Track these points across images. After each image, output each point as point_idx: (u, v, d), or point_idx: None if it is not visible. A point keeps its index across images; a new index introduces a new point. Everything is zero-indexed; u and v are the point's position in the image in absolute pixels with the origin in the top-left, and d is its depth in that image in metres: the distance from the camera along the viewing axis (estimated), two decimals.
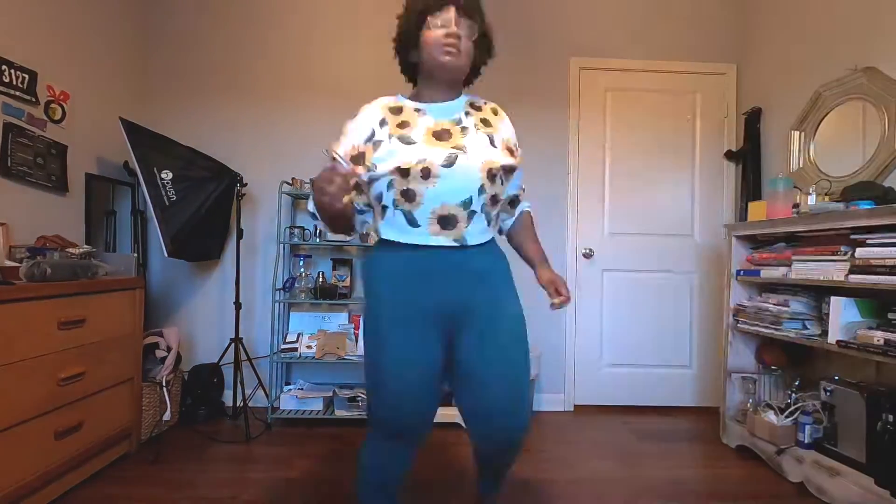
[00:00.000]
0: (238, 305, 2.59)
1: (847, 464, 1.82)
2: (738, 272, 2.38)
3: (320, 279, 2.69)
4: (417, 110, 1.20)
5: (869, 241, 1.72)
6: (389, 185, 1.11)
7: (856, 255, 1.77)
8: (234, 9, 2.90)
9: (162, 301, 2.86)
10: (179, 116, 2.87)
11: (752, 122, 2.80)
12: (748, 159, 2.81)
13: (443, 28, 1.15)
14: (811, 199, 2.13)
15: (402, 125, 1.16)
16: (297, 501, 1.81)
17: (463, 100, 1.25)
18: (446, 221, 1.12)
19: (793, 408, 2.08)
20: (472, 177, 1.11)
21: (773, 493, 1.93)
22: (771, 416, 2.13)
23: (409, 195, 1.10)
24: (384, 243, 1.17)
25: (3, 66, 1.96)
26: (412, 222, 1.12)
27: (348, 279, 2.78)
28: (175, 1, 2.89)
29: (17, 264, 1.74)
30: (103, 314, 1.96)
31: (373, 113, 1.20)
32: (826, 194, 2.16)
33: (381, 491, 1.25)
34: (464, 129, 1.17)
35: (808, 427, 1.99)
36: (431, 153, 1.10)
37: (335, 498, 1.84)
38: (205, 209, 2.51)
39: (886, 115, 2.03)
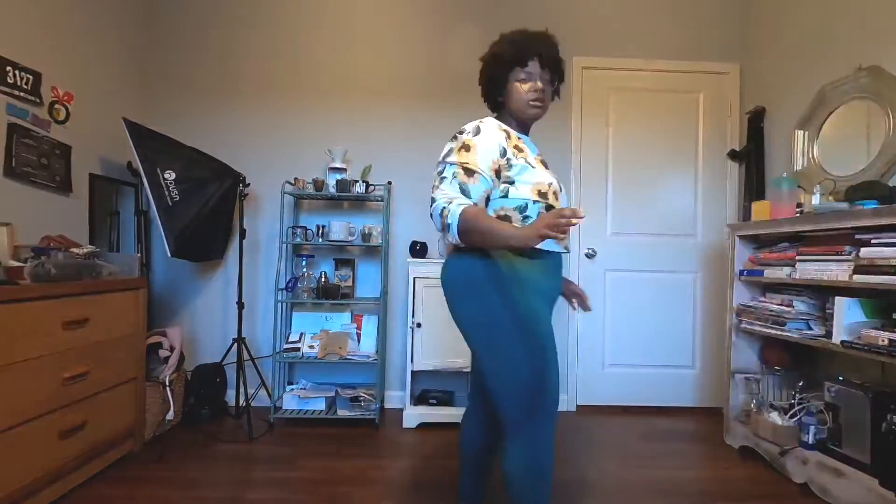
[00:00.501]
0: (241, 305, 2.60)
1: (851, 465, 1.81)
2: (741, 272, 2.37)
3: (323, 279, 2.70)
4: (519, 138, 1.33)
5: (873, 241, 1.71)
6: (536, 201, 1.25)
7: (860, 254, 1.76)
8: (237, 10, 2.90)
9: (165, 301, 2.87)
10: (182, 117, 2.88)
11: (756, 121, 2.79)
12: (751, 159, 2.80)
13: (529, 82, 1.31)
14: (815, 199, 2.12)
15: (518, 150, 1.29)
16: (299, 501, 1.81)
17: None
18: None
19: (797, 408, 2.07)
20: (564, 199, 1.34)
21: (777, 494, 1.93)
22: (774, 417, 2.12)
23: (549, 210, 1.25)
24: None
25: (8, 68, 1.97)
26: None
27: (350, 279, 2.79)
28: (179, 2, 2.90)
29: (21, 264, 1.75)
30: (107, 314, 1.97)
31: (495, 131, 1.28)
32: (830, 194, 2.15)
33: (546, 488, 1.27)
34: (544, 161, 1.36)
35: (812, 428, 1.98)
36: (552, 178, 1.30)
37: (337, 498, 1.84)
38: (208, 209, 2.51)
39: (891, 114, 2.02)
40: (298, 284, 2.68)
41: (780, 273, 2.13)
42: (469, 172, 1.21)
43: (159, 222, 2.36)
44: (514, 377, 1.21)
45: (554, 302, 1.35)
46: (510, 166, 1.25)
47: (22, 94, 2.03)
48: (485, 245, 1.21)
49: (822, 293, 2.03)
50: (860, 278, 1.74)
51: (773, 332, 2.12)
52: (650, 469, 2.14)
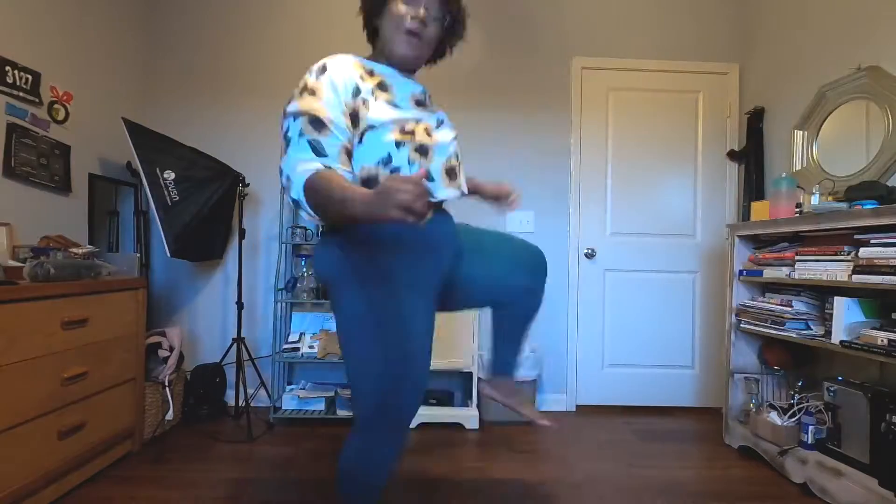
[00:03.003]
0: (240, 305, 2.59)
1: (850, 465, 1.81)
2: (740, 272, 2.37)
3: None
4: (386, 76, 1.12)
5: (872, 241, 1.71)
6: (399, 144, 1.04)
7: (859, 254, 1.76)
8: (237, 9, 2.90)
9: (165, 301, 2.87)
10: (182, 117, 2.88)
11: (755, 121, 2.79)
12: (751, 159, 2.80)
13: (412, 5, 1.08)
14: (814, 199, 2.12)
15: (383, 89, 1.08)
16: (298, 501, 1.81)
17: (416, 78, 1.21)
18: (451, 173, 1.13)
19: (796, 408, 2.07)
20: (451, 141, 1.15)
21: (776, 494, 1.93)
22: (774, 417, 2.12)
23: (423, 150, 1.06)
24: None
25: (7, 67, 1.97)
26: (429, 177, 1.08)
27: None
28: (178, 2, 2.90)
29: (20, 264, 1.75)
30: (106, 314, 1.97)
31: (347, 66, 1.05)
32: (829, 194, 2.15)
33: (370, 495, 1.14)
34: (428, 102, 1.19)
35: (811, 428, 1.98)
36: (422, 115, 1.10)
37: (337, 498, 1.83)
38: (207, 209, 2.51)
39: (890, 115, 2.02)
40: (298, 284, 2.68)
41: (779, 273, 2.13)
42: (318, 124, 0.98)
43: (159, 222, 2.36)
44: (364, 383, 1.07)
45: (436, 276, 1.13)
46: (364, 104, 1.03)
47: (21, 93, 2.03)
48: (342, 220, 0.99)
49: (822, 293, 2.04)
50: (859, 278, 1.74)
51: (773, 332, 2.12)
52: (650, 469, 2.14)
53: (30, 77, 2.07)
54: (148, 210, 2.67)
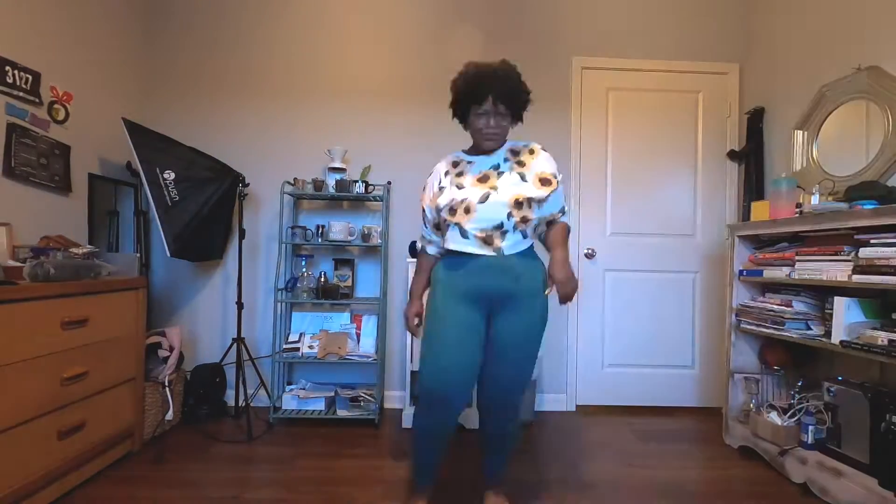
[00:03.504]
0: (240, 305, 2.60)
1: (850, 465, 1.81)
2: (740, 272, 2.37)
3: (322, 279, 2.70)
4: (469, 162, 1.59)
5: (872, 241, 1.71)
6: (445, 221, 1.54)
7: (859, 255, 1.76)
8: (236, 9, 2.90)
9: (164, 301, 2.87)
10: (182, 117, 2.88)
11: (755, 121, 2.79)
12: (751, 159, 2.80)
13: (484, 118, 1.50)
14: (814, 199, 2.12)
15: (459, 175, 1.56)
16: (299, 501, 1.81)
17: (504, 148, 1.59)
18: (486, 240, 1.50)
19: (796, 408, 2.07)
20: (500, 208, 1.48)
21: (776, 494, 1.93)
22: (774, 417, 2.13)
23: (461, 228, 1.52)
24: (448, 252, 1.57)
25: (7, 67, 1.97)
26: (465, 235, 1.51)
27: (350, 279, 2.79)
28: (178, 2, 2.90)
29: (20, 264, 1.75)
30: (106, 314, 1.97)
31: (439, 168, 1.63)
32: (829, 194, 2.15)
33: (431, 440, 1.57)
34: (500, 172, 1.53)
35: (811, 428, 1.98)
36: (472, 193, 1.50)
37: (337, 498, 1.84)
38: (207, 209, 2.51)
39: (890, 115, 2.02)
40: (298, 284, 2.68)
41: (779, 273, 2.13)
42: (423, 210, 1.64)
43: (158, 222, 2.36)
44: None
45: (472, 296, 1.51)
46: (441, 191, 1.56)
47: (21, 93, 2.03)
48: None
49: (822, 293, 2.04)
50: (859, 278, 1.74)
51: (773, 332, 2.12)
52: (649, 469, 2.14)
53: (30, 77, 2.07)
54: (148, 210, 2.67)
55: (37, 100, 2.11)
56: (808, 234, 2.09)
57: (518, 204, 1.47)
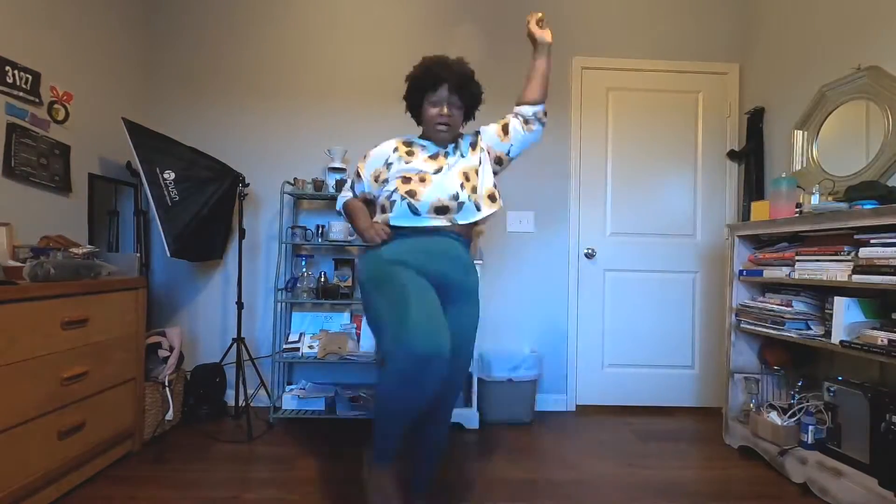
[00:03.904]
0: (240, 305, 2.60)
1: (850, 465, 1.81)
2: (740, 272, 2.37)
3: (322, 279, 2.70)
4: (422, 146, 1.64)
5: (872, 241, 1.71)
6: (396, 189, 1.52)
7: (859, 254, 1.76)
8: (236, 9, 2.90)
9: (164, 301, 2.87)
10: (182, 117, 2.88)
11: (755, 121, 2.79)
12: (751, 159, 2.80)
13: (437, 107, 1.55)
14: (814, 199, 2.12)
15: (409, 153, 1.61)
16: (298, 501, 1.81)
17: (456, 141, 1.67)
18: (439, 210, 1.52)
19: (796, 408, 2.07)
20: (454, 178, 1.55)
21: (776, 494, 1.93)
22: (774, 417, 2.12)
23: (412, 193, 1.51)
24: (393, 229, 1.54)
25: (7, 67, 1.97)
26: (415, 212, 1.51)
27: (350, 279, 2.78)
28: (178, 2, 2.90)
29: (20, 264, 1.75)
30: (106, 314, 1.97)
31: (387, 146, 1.64)
32: (829, 194, 2.15)
33: (397, 425, 1.39)
34: (447, 154, 1.62)
35: (811, 428, 1.98)
36: (425, 166, 1.56)
37: (337, 498, 1.84)
38: (207, 209, 2.51)
39: (890, 115, 2.02)
40: (298, 284, 2.68)
41: (779, 273, 2.13)
42: (358, 175, 1.68)
43: (158, 222, 2.36)
44: (381, 327, 1.43)
45: (424, 273, 1.46)
46: (388, 167, 1.59)
47: (21, 93, 2.03)
48: (356, 230, 1.66)
49: (822, 293, 2.04)
50: (859, 278, 1.74)
51: (773, 331, 2.12)
52: (649, 469, 2.14)
53: (30, 77, 2.07)
54: (148, 210, 2.67)
55: (37, 100, 2.11)
56: (808, 234, 2.09)
57: (465, 176, 1.56)
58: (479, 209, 1.57)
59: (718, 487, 1.98)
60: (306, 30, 2.92)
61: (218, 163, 2.61)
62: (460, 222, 1.55)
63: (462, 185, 1.54)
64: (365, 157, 1.68)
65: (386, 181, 1.57)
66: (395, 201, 1.52)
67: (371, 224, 1.58)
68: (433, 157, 1.60)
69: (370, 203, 1.68)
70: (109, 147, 2.57)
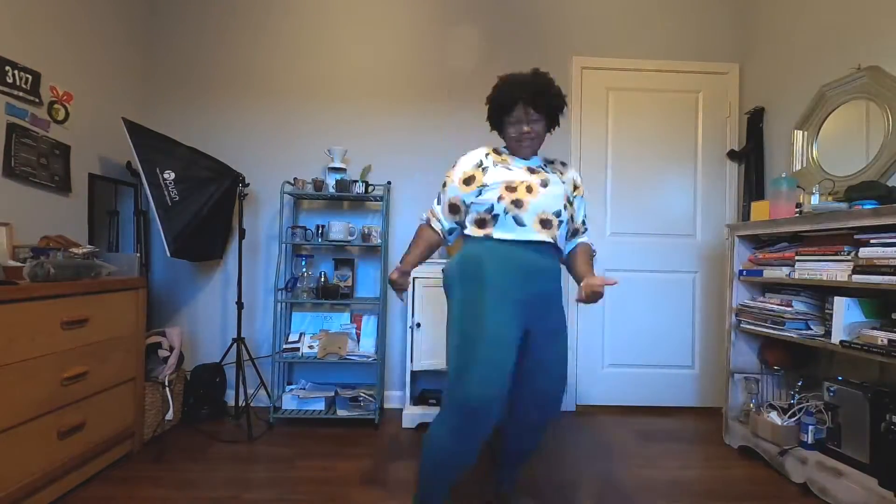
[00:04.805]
0: (240, 305, 2.60)
1: (850, 465, 1.81)
2: (740, 272, 2.37)
3: (322, 279, 2.70)
4: (513, 158, 1.60)
5: (872, 241, 1.71)
6: (500, 198, 1.47)
7: (859, 254, 1.76)
8: (236, 10, 2.90)
9: (164, 301, 2.87)
10: (182, 117, 2.88)
11: (755, 121, 2.79)
12: (751, 159, 2.80)
13: (517, 125, 1.53)
14: (814, 199, 2.12)
15: (503, 162, 1.57)
16: (298, 501, 1.81)
17: (538, 157, 1.65)
18: (545, 224, 1.49)
19: (796, 408, 2.07)
20: (559, 196, 1.52)
21: (776, 494, 1.93)
22: (774, 417, 2.13)
23: (518, 204, 1.47)
24: (496, 242, 1.49)
25: (7, 67, 1.97)
26: (520, 223, 1.47)
27: (350, 279, 2.79)
28: (178, 2, 2.90)
29: (20, 264, 1.75)
30: (106, 314, 1.97)
31: (479, 151, 1.60)
32: (829, 194, 2.15)
33: (443, 476, 1.43)
34: (544, 170, 1.59)
35: (811, 428, 1.98)
36: (528, 177, 1.51)
37: (337, 498, 1.84)
38: (207, 209, 2.51)
39: (890, 115, 2.02)
40: (298, 284, 2.68)
41: (779, 273, 2.13)
42: (444, 185, 1.60)
43: (158, 222, 2.36)
44: (450, 363, 1.43)
45: (518, 303, 1.45)
46: (484, 171, 1.53)
47: (21, 93, 2.03)
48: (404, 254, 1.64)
49: (822, 293, 2.04)
50: (859, 278, 1.74)
51: (773, 331, 2.12)
52: (649, 469, 2.14)
53: (30, 77, 2.07)
54: (148, 210, 2.67)
55: (37, 100, 2.11)
56: (807, 234, 2.09)
57: (568, 199, 1.56)
58: (567, 234, 1.60)
59: (718, 487, 1.98)
60: (306, 30, 2.92)
61: (218, 163, 2.61)
62: (557, 244, 1.54)
63: (565, 207, 1.53)
64: (453, 165, 1.62)
65: (484, 186, 1.51)
66: (497, 215, 1.48)
67: (404, 273, 1.60)
68: (533, 170, 1.55)
69: (456, 211, 1.58)
70: (109, 147, 2.57)
